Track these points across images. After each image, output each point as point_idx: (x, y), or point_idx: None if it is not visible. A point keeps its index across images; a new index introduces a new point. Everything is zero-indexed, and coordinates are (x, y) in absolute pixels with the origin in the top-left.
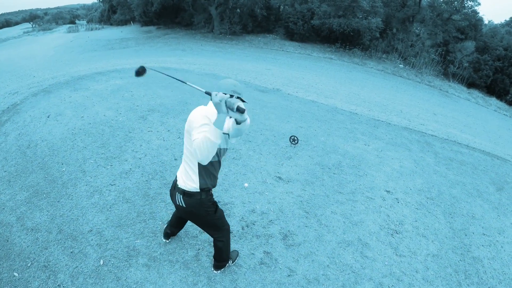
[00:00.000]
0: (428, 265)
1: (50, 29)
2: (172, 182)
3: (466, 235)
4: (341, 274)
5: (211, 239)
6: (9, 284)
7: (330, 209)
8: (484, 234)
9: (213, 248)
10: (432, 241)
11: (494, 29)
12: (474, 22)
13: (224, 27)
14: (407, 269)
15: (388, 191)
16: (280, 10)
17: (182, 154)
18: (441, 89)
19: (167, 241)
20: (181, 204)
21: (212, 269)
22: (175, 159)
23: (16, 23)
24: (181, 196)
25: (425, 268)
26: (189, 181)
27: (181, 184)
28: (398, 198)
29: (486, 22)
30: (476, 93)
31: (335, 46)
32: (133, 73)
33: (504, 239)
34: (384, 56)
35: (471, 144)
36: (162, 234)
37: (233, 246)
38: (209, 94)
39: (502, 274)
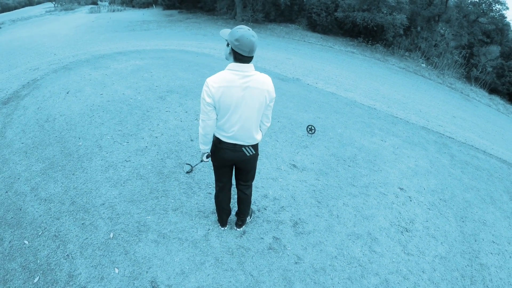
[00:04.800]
0: (435, 266)
1: (72, 9)
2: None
3: (475, 241)
4: (348, 266)
5: None
6: (19, 251)
7: (342, 201)
8: (493, 242)
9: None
10: (441, 243)
11: None
12: (501, 27)
13: (247, 14)
14: (414, 268)
15: (401, 189)
16: (304, 0)
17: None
18: (462, 92)
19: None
20: (251, 153)
21: (239, 225)
22: (191, 140)
23: (39, 2)
24: (250, 147)
25: (432, 269)
26: (257, 135)
27: (249, 141)
28: (411, 197)
29: None
30: (497, 99)
31: (358, 40)
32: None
33: None
34: (406, 54)
35: (488, 151)
36: (220, 223)
37: (244, 228)
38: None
39: (508, 285)
